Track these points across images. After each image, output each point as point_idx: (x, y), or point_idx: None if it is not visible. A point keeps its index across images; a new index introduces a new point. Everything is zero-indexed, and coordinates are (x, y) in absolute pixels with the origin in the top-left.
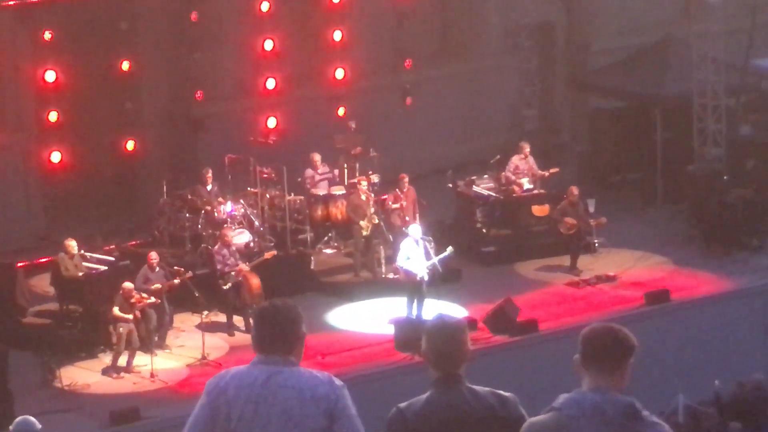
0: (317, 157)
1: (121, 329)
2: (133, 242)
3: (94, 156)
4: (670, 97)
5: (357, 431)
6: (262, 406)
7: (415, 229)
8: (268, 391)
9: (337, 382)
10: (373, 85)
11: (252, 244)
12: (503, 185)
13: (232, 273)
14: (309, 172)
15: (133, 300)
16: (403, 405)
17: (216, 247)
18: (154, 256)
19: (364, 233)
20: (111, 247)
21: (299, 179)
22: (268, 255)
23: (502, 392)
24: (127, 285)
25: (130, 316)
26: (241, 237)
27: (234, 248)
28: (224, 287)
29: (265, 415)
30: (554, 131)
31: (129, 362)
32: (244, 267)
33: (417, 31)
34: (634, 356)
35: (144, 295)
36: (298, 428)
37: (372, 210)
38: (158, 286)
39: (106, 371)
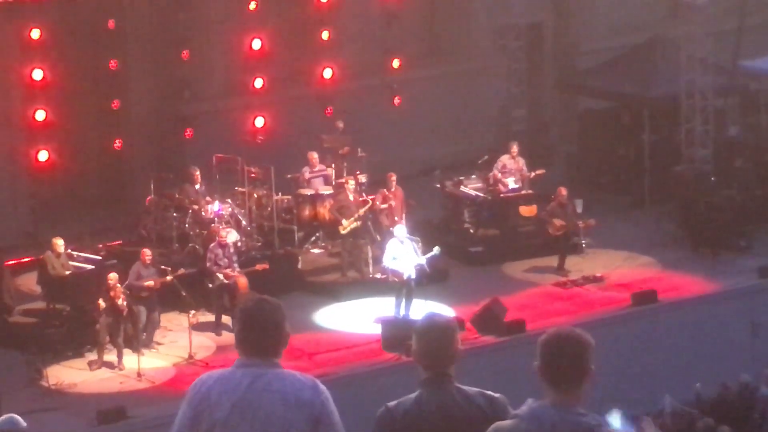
0: (315, 156)
1: (101, 321)
2: (119, 241)
3: (82, 155)
4: (658, 98)
5: None
6: (247, 410)
7: (400, 229)
8: (252, 395)
9: (321, 387)
10: (361, 84)
11: (240, 244)
12: (491, 185)
13: (219, 275)
14: (305, 169)
15: (111, 292)
16: (391, 404)
17: (211, 245)
18: (147, 252)
19: (342, 232)
20: (82, 248)
21: (289, 176)
22: (259, 267)
23: (491, 392)
24: (112, 275)
25: (103, 304)
26: (228, 236)
27: (231, 250)
28: (209, 285)
29: (249, 420)
30: (542, 132)
31: (119, 360)
32: (235, 271)
33: (405, 31)
34: (594, 361)
35: (122, 289)
36: None
37: (361, 211)
38: (151, 282)
39: (90, 363)
